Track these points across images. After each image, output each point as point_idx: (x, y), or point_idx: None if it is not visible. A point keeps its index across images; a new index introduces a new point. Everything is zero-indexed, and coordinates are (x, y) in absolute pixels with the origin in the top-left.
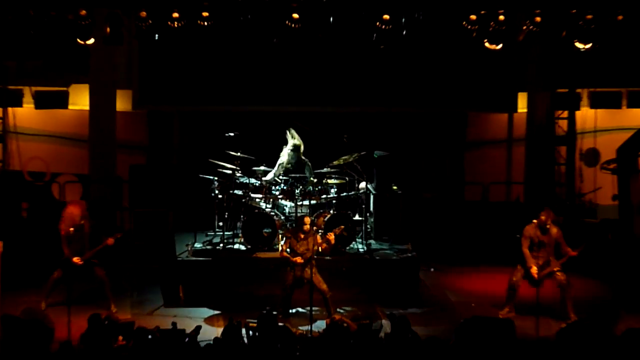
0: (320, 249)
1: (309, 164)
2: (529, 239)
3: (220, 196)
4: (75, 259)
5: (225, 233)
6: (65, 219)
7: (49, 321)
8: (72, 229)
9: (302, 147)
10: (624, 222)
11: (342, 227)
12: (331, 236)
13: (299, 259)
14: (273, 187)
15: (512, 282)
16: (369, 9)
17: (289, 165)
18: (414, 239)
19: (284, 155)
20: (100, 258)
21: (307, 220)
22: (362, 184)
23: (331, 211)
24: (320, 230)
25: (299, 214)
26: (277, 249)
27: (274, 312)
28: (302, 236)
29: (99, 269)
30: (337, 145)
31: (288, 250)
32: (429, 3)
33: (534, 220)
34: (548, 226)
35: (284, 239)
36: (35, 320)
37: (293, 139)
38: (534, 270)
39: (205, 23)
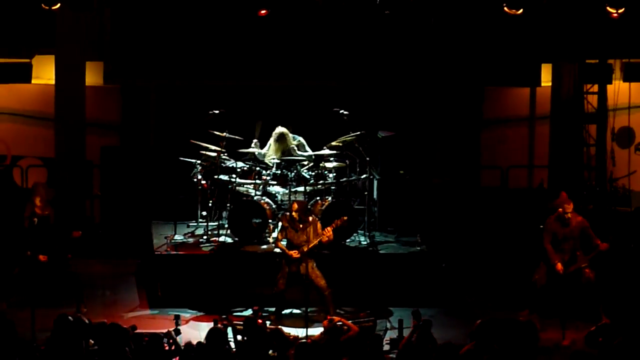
0: (319, 243)
1: (302, 140)
2: (552, 232)
3: (203, 182)
4: (41, 257)
5: (210, 224)
6: (29, 208)
7: (9, 322)
8: (35, 219)
9: (287, 135)
10: None
11: (345, 217)
12: (329, 232)
13: (295, 253)
14: (263, 172)
15: (533, 281)
16: None
17: (276, 158)
18: (423, 230)
19: (269, 147)
20: (68, 252)
21: (295, 206)
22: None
23: (329, 199)
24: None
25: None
26: (268, 242)
27: (265, 313)
28: (301, 226)
29: (67, 265)
30: (336, 124)
31: (284, 241)
32: None
33: (559, 209)
34: (569, 216)
35: (280, 227)
36: None
37: (275, 130)
38: (559, 267)
39: None
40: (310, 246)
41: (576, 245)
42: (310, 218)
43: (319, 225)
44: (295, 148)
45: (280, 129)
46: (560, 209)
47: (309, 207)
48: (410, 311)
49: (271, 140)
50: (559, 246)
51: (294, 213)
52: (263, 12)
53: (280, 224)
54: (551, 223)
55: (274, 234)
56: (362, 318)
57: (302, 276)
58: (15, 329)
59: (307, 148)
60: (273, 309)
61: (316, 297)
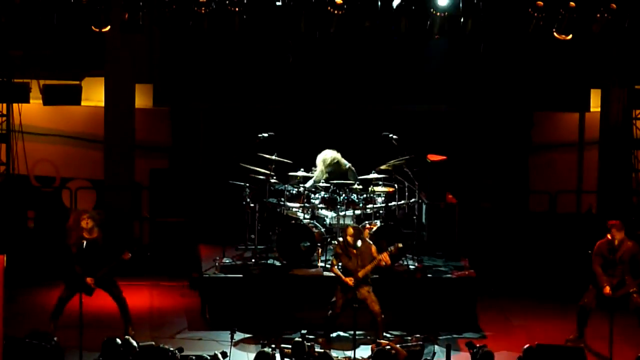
0: (375, 267)
1: (352, 168)
2: (601, 256)
3: (252, 205)
4: (89, 280)
5: (258, 247)
6: (73, 231)
7: (57, 345)
8: (84, 241)
9: (339, 158)
10: None
11: (400, 245)
12: (386, 257)
13: (350, 281)
14: (312, 195)
15: (583, 305)
16: None
17: (328, 176)
18: (471, 254)
19: (319, 169)
20: (116, 275)
21: (350, 231)
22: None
23: (377, 223)
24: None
25: (343, 227)
26: (316, 265)
27: (313, 336)
28: (355, 251)
29: (115, 287)
30: (385, 148)
31: (339, 266)
32: None
33: (608, 235)
34: (620, 241)
35: (334, 254)
36: (43, 343)
37: (326, 156)
38: (607, 290)
39: (237, 9)
40: (365, 271)
41: (625, 270)
42: (365, 243)
43: (373, 249)
44: (351, 168)
45: (332, 154)
46: (609, 235)
47: (360, 229)
48: (459, 339)
49: (322, 167)
50: (609, 270)
51: (348, 237)
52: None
53: (334, 250)
54: (601, 247)
55: (326, 258)
56: (410, 342)
57: (357, 301)
58: (63, 353)
59: (355, 176)
60: (321, 332)
61: (366, 321)
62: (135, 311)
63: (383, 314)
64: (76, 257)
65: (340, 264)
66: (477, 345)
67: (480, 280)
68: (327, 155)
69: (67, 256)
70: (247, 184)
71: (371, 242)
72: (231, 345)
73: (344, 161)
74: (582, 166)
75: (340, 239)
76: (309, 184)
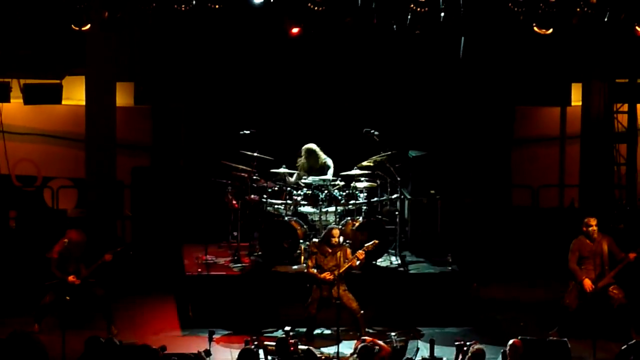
0: (351, 266)
1: (329, 164)
2: (578, 252)
3: (234, 202)
4: (71, 278)
5: (241, 244)
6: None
7: (40, 344)
8: (66, 240)
9: (317, 151)
10: None
11: (376, 242)
12: (362, 255)
13: (327, 275)
14: (294, 192)
15: (564, 306)
16: None
17: (306, 172)
18: (454, 249)
19: (299, 165)
20: (98, 275)
21: (336, 232)
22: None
23: (360, 219)
24: (348, 242)
25: (325, 223)
26: (299, 262)
27: (295, 333)
28: (330, 250)
29: (97, 288)
30: (367, 144)
31: (314, 267)
32: None
33: (584, 228)
34: (596, 235)
35: (309, 254)
36: (26, 343)
37: (308, 146)
38: (587, 282)
39: (216, 6)
40: (341, 271)
41: (604, 261)
42: (340, 243)
43: (348, 250)
44: (328, 165)
45: (309, 145)
46: (584, 228)
47: (342, 230)
48: (442, 334)
49: (302, 158)
50: (586, 264)
51: (334, 239)
52: (295, 31)
53: (309, 249)
54: (577, 243)
55: (306, 259)
56: (393, 338)
57: (334, 298)
58: (46, 353)
59: (330, 172)
60: (304, 330)
61: (348, 318)
62: (117, 310)
63: (362, 310)
64: (58, 260)
65: (314, 265)
66: (467, 342)
67: (463, 275)
68: (308, 146)
69: (50, 262)
70: (230, 182)
71: (345, 244)
72: (210, 346)
73: (322, 155)
74: (564, 160)
75: (315, 239)
76: (294, 177)
